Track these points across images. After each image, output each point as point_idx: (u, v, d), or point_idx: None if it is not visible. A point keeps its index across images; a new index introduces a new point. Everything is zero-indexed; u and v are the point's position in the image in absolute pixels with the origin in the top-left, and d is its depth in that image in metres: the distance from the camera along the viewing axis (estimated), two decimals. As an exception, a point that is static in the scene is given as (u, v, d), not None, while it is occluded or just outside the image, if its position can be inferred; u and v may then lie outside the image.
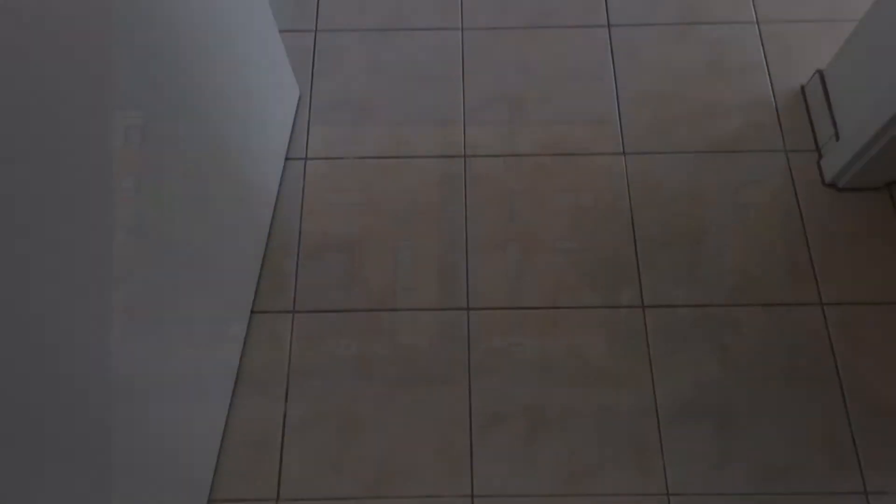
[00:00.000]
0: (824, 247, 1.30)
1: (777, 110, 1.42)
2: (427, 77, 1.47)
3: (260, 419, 1.19)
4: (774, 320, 1.25)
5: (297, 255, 1.31)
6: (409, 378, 1.22)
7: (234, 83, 1.09)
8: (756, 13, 1.52)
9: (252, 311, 1.26)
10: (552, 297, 1.27)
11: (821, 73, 1.40)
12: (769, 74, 1.46)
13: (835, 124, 1.34)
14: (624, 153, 1.39)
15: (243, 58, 1.12)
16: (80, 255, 0.71)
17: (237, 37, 1.08)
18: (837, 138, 1.33)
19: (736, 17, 1.51)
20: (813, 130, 1.40)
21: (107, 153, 0.75)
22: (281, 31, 1.41)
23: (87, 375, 0.75)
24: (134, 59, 0.79)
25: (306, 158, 1.40)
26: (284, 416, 1.20)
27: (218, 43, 1.01)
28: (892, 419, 1.18)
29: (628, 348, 1.23)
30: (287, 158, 1.39)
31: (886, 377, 1.20)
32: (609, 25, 1.51)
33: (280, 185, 1.37)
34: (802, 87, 1.44)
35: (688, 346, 1.23)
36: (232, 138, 1.10)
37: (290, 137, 1.41)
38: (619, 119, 1.42)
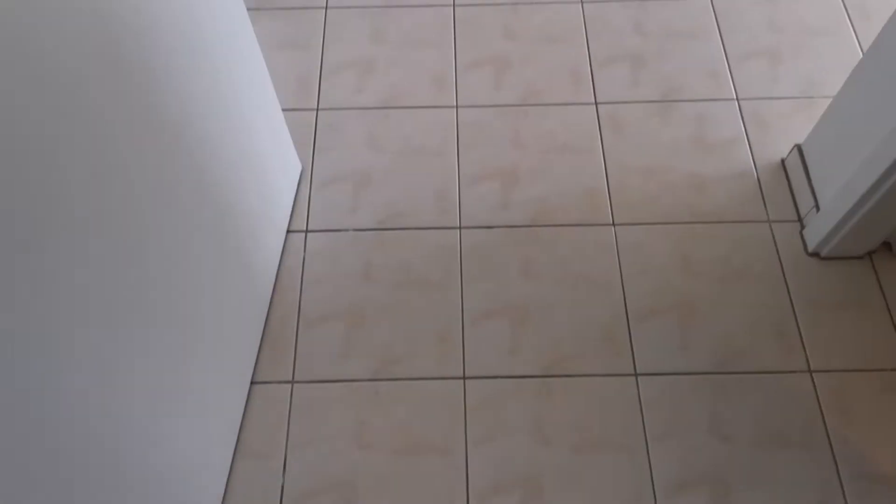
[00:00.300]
0: (811, 315, 1.34)
1: (759, 182, 1.49)
2: (423, 152, 1.53)
3: (258, 491, 1.20)
4: (765, 388, 1.27)
5: (297, 325, 1.34)
6: (407, 448, 1.23)
7: (240, 160, 1.14)
8: (735, 91, 1.60)
9: (252, 382, 1.29)
10: (546, 366, 1.30)
11: (799, 148, 1.47)
12: (750, 149, 1.53)
13: (815, 196, 1.40)
14: (613, 224, 1.44)
15: (249, 136, 1.18)
16: (78, 327, 0.74)
17: (243, 115, 1.14)
18: (818, 209, 1.39)
19: (716, 94, 1.59)
20: (794, 202, 1.46)
21: (113, 224, 0.79)
22: (284, 110, 1.48)
23: (80, 444, 0.77)
24: (141, 133, 0.84)
25: (307, 231, 1.44)
26: (282, 488, 1.20)
27: (225, 121, 1.07)
28: (885, 486, 1.19)
29: (623, 417, 1.25)
30: (289, 231, 1.44)
31: (878, 444, 1.22)
32: (596, 103, 1.59)
33: (282, 257, 1.41)
34: (783, 161, 1.51)
35: (681, 415, 1.25)
36: (236, 213, 1.15)
37: (292, 211, 1.46)
38: (609, 191, 1.48)
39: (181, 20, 0.90)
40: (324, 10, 1.72)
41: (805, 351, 1.30)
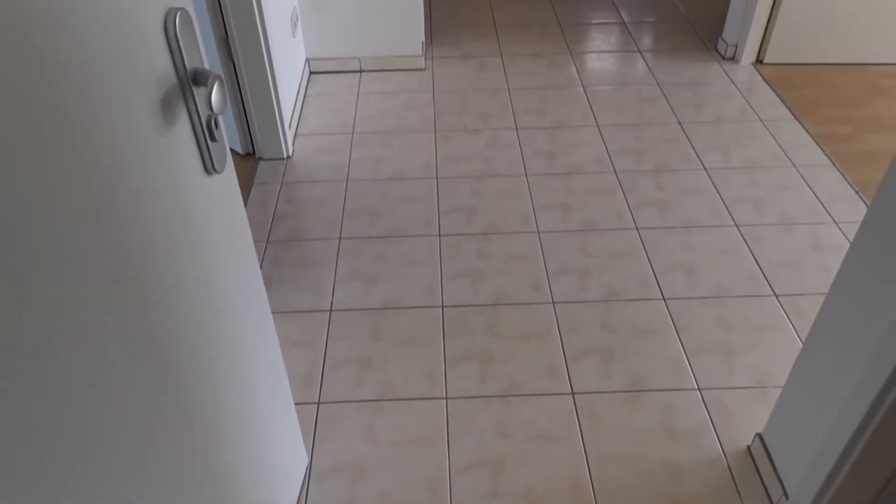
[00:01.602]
0: None
1: (730, 470, 1.59)
2: (415, 442, 1.65)
3: None
4: None
5: None
6: None
7: (257, 459, 1.24)
8: (696, 381, 1.78)
9: None
10: None
11: (760, 437, 1.60)
12: (717, 436, 1.66)
13: (782, 484, 1.50)
14: (598, 513, 1.51)
15: (271, 438, 1.29)
16: None
17: (264, 415, 1.27)
18: (787, 497, 1.47)
19: (679, 385, 1.77)
20: (766, 489, 1.55)
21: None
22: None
23: None
24: (171, 433, 0.95)
25: (303, 525, 1.49)
26: None
27: (249, 421, 1.19)
28: None
29: None
30: (285, 525, 1.49)
31: None
32: (573, 393, 1.76)
33: (277, 554, 1.44)
34: (748, 448, 1.63)
35: None
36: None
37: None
38: (591, 479, 1.57)
39: (223, 329, 1.07)
40: (328, 313, 1.97)
41: None
